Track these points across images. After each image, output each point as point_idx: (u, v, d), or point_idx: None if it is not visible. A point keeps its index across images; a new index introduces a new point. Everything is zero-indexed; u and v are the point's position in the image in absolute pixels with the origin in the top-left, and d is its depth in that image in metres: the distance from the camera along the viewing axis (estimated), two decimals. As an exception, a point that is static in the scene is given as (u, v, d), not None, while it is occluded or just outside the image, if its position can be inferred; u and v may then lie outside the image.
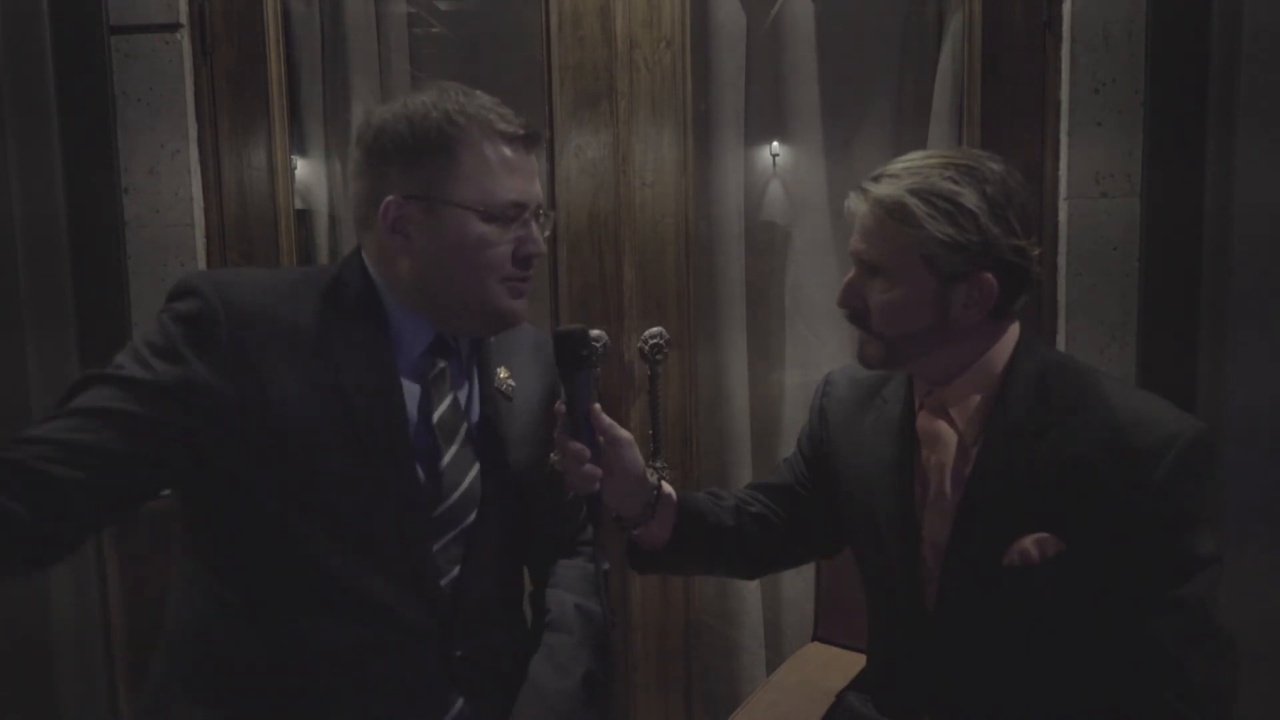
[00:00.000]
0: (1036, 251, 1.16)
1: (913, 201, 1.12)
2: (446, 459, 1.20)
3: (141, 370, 1.06)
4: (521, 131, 1.17)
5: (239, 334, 1.09)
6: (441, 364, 1.22)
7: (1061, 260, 1.89)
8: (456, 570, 1.20)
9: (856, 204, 1.19)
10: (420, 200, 1.14)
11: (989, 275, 1.13)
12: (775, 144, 2.23)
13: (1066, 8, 1.88)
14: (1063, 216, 1.89)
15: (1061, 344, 1.90)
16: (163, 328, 1.10)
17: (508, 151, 1.16)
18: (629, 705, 2.14)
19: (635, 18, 2.01)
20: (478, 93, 1.19)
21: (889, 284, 1.16)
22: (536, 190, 1.20)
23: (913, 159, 1.18)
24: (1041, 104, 1.93)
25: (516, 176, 1.16)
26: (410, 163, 1.14)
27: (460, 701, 1.20)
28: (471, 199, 1.14)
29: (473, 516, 1.21)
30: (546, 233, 1.21)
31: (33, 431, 1.01)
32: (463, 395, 1.24)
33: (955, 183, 1.12)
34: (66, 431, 1.01)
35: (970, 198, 1.12)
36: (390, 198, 1.14)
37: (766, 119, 2.22)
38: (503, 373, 1.29)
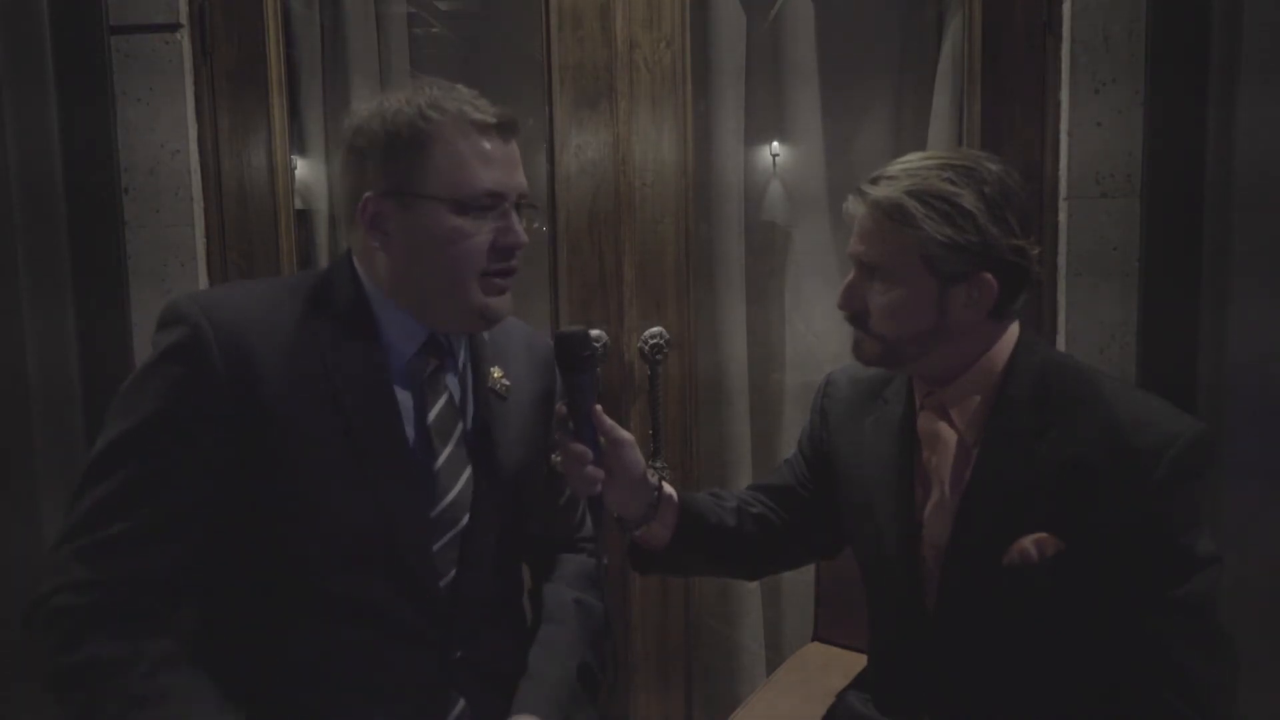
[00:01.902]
0: (1036, 251, 1.17)
1: (911, 203, 1.13)
2: (441, 460, 1.19)
3: (164, 440, 1.07)
4: (494, 120, 1.16)
5: (231, 351, 1.09)
6: (435, 363, 1.22)
7: (1061, 260, 1.89)
8: (454, 571, 1.20)
9: (855, 206, 1.19)
10: (394, 196, 1.14)
11: (988, 275, 1.13)
12: (775, 144, 2.23)
13: (1066, 8, 1.88)
14: (1063, 216, 1.89)
15: (1061, 344, 1.90)
16: (159, 369, 1.09)
17: (484, 142, 1.15)
18: (629, 705, 2.14)
19: (635, 18, 2.01)
20: (458, 86, 1.18)
21: (889, 285, 1.16)
22: (518, 180, 1.18)
23: (910, 160, 1.18)
24: (1041, 104, 1.93)
25: (493, 166, 1.15)
26: (385, 159, 1.14)
27: (461, 702, 1.19)
28: (444, 191, 1.13)
29: (468, 517, 1.21)
30: (534, 224, 1.20)
31: (119, 560, 1.06)
32: (458, 395, 1.24)
33: (953, 184, 1.13)
34: (146, 545, 1.07)
35: (968, 198, 1.12)
36: (367, 194, 1.15)
37: (766, 119, 2.22)
38: (496, 372, 1.28)
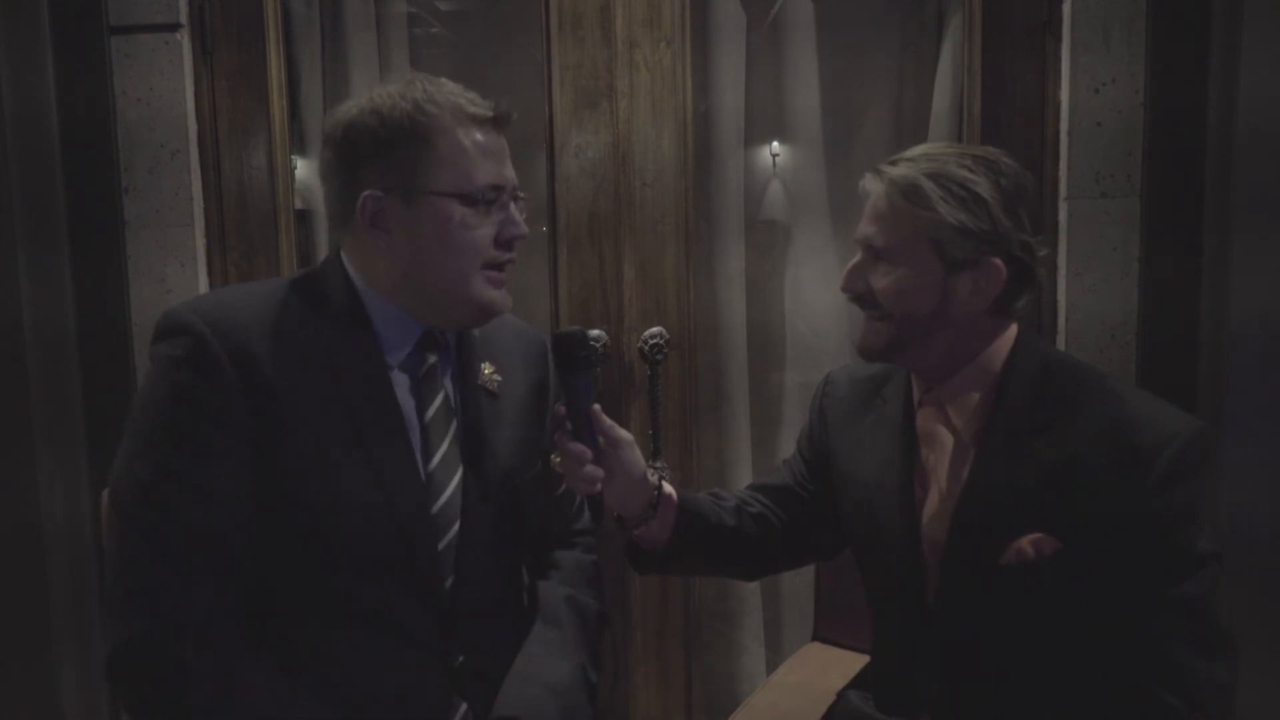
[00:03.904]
0: (1043, 252, 1.17)
1: (928, 184, 1.13)
2: (436, 459, 1.19)
3: (186, 455, 1.07)
4: (491, 113, 1.16)
5: (237, 356, 1.09)
6: (432, 359, 1.21)
7: (1061, 260, 1.90)
8: (453, 574, 1.19)
9: (871, 184, 1.20)
10: (398, 192, 1.13)
11: (997, 260, 1.14)
12: (775, 144, 2.23)
13: (1066, 8, 1.88)
14: (1063, 216, 1.89)
15: (1061, 344, 1.90)
16: (168, 380, 1.09)
17: (480, 135, 1.15)
18: (629, 705, 2.14)
19: (635, 18, 2.01)
20: (444, 80, 1.18)
21: (894, 267, 1.17)
22: (511, 172, 1.19)
23: (931, 146, 1.20)
24: (1041, 104, 1.93)
25: (491, 160, 1.16)
26: (384, 156, 1.13)
27: (464, 706, 1.19)
28: (450, 186, 1.13)
29: (463, 517, 1.20)
30: (524, 214, 1.21)
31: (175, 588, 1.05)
32: (452, 392, 1.24)
33: (971, 171, 1.14)
34: (210, 545, 1.07)
35: (985, 186, 1.13)
36: (367, 193, 1.13)
37: (766, 119, 2.22)
38: (487, 369, 1.28)
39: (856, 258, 1.22)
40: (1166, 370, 1.79)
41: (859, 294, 1.21)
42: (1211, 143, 1.71)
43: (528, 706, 1.18)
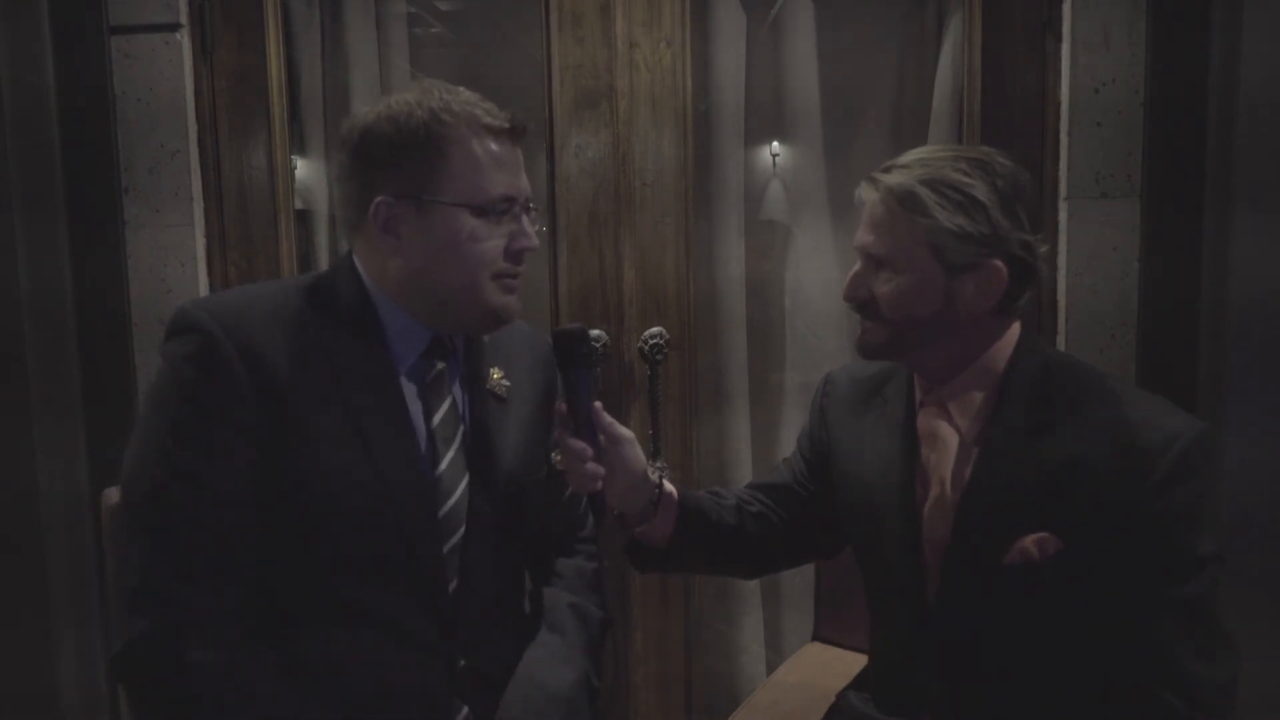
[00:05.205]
0: (1044, 249, 1.17)
1: (924, 191, 1.13)
2: (443, 465, 1.19)
3: (194, 453, 1.07)
4: (507, 125, 1.17)
5: (246, 355, 1.09)
6: (440, 365, 1.21)
7: (1061, 260, 1.90)
8: (457, 578, 1.19)
9: (867, 193, 1.19)
10: (410, 200, 1.14)
11: (998, 262, 1.14)
12: (775, 144, 2.23)
13: (1066, 8, 1.88)
14: (1063, 216, 1.90)
15: (1061, 344, 1.90)
16: (178, 378, 1.09)
17: (494, 146, 1.16)
18: (629, 705, 2.14)
19: (635, 18, 2.01)
20: (461, 89, 1.18)
21: (895, 273, 1.17)
22: (524, 183, 1.19)
23: (924, 151, 1.19)
24: (1041, 104, 1.93)
25: (505, 171, 1.16)
26: (398, 163, 1.13)
27: (465, 710, 1.19)
28: (462, 195, 1.13)
29: (469, 521, 1.20)
30: (537, 226, 1.21)
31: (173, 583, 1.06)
32: (460, 398, 1.24)
33: (966, 174, 1.13)
34: (218, 546, 1.07)
35: (981, 189, 1.13)
36: (380, 199, 1.14)
37: (766, 119, 2.22)
38: (496, 373, 1.28)
39: (857, 266, 1.22)
40: (1166, 370, 1.79)
41: (862, 301, 1.21)
42: (1211, 143, 1.71)
43: (530, 712, 1.18)
